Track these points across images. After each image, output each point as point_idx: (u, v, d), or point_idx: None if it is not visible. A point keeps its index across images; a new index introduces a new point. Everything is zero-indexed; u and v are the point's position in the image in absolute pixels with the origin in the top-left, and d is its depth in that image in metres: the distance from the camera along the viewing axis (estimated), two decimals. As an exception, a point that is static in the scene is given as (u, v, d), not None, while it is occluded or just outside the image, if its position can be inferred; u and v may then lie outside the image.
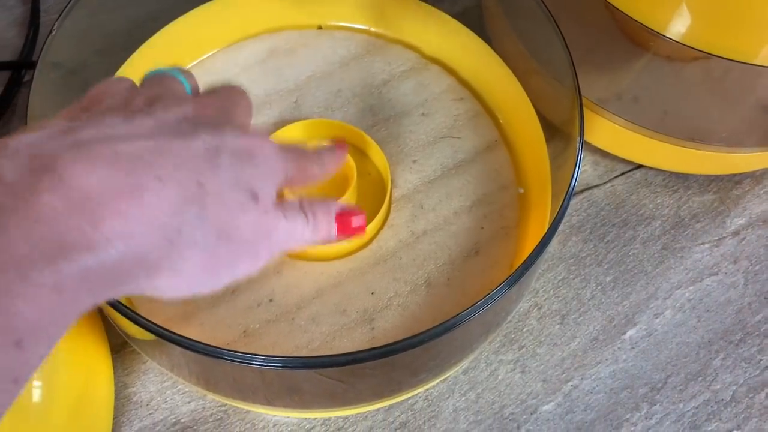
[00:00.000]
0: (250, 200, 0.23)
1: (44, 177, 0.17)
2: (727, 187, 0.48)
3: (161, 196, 0.20)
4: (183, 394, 0.38)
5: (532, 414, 0.39)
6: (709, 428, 0.39)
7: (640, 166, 0.48)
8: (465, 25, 0.45)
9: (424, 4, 0.46)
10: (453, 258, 0.39)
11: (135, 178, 0.19)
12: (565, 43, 0.37)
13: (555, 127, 0.40)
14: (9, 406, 0.17)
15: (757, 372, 0.41)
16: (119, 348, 0.39)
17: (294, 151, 0.28)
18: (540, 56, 0.42)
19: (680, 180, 0.48)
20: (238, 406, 0.37)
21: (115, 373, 0.38)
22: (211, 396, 0.36)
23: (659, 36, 0.38)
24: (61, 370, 0.34)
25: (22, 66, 0.49)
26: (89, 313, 0.37)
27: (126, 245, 0.19)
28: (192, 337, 0.28)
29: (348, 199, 0.39)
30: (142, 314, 0.37)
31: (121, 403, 0.38)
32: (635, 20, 0.38)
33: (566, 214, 0.32)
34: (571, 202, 0.46)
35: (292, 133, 0.42)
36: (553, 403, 0.39)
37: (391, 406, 0.39)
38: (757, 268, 0.45)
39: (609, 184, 0.47)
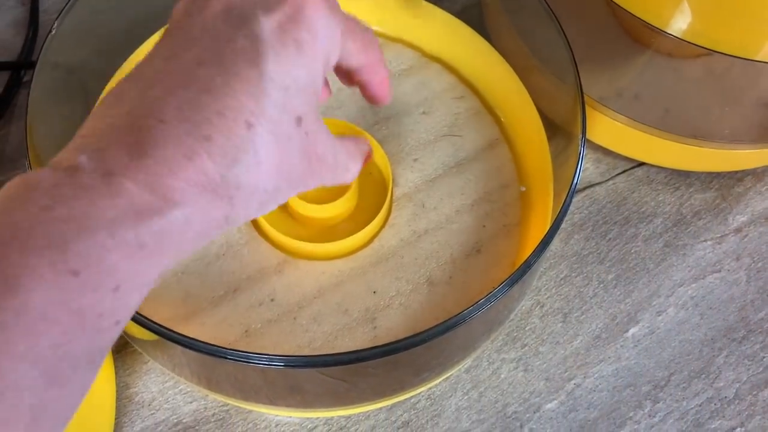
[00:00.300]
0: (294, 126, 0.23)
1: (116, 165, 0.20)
2: (729, 184, 0.47)
3: (212, 153, 0.21)
4: (185, 394, 0.38)
5: (535, 412, 0.39)
6: (713, 426, 0.39)
7: (641, 164, 0.48)
8: (465, 22, 0.45)
9: (424, 2, 0.46)
10: (455, 256, 0.39)
11: (186, 147, 0.21)
12: (567, 41, 0.37)
13: (556, 125, 0.40)
14: (111, 346, 0.21)
15: (761, 369, 0.41)
16: (121, 348, 0.39)
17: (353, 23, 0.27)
18: (541, 54, 0.42)
19: (682, 177, 0.47)
20: (240, 405, 0.37)
21: (116, 373, 0.38)
22: (212, 396, 0.36)
23: (660, 32, 0.38)
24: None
25: (22, 66, 0.49)
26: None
27: (186, 210, 0.20)
28: (193, 337, 0.28)
29: (349, 199, 0.39)
30: (144, 314, 0.37)
31: (123, 403, 0.38)
32: (636, 17, 0.38)
33: (568, 212, 0.32)
34: (573, 200, 0.46)
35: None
36: (556, 402, 0.39)
37: (393, 405, 0.39)
38: (759, 264, 0.44)
39: (611, 182, 0.47)
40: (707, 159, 0.45)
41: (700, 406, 0.40)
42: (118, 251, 0.19)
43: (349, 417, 0.38)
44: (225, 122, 0.21)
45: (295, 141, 0.23)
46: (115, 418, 0.37)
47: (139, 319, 0.29)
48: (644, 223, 0.45)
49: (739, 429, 0.39)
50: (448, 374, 0.38)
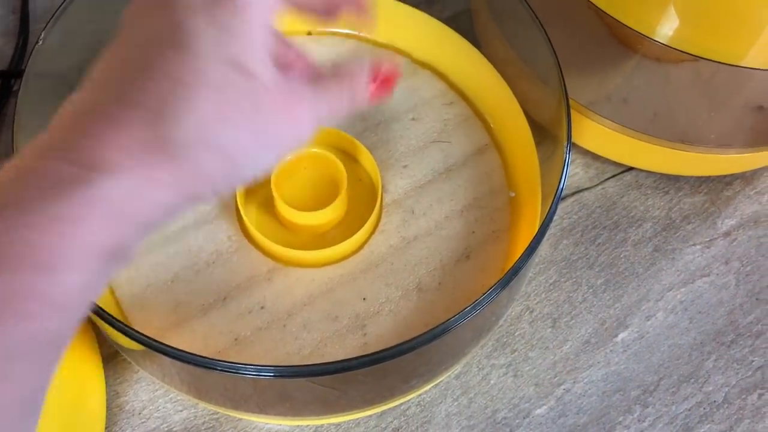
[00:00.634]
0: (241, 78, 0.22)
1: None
2: (717, 188, 0.48)
3: (143, 117, 0.21)
4: (175, 402, 0.38)
5: (524, 418, 0.39)
6: (702, 430, 0.39)
7: (630, 168, 0.48)
8: (455, 29, 0.46)
9: (413, 9, 0.46)
10: (444, 262, 0.39)
11: (114, 118, 0.21)
12: (552, 47, 0.37)
13: (544, 131, 0.41)
14: (65, 334, 0.20)
15: (749, 373, 0.41)
16: (111, 357, 0.39)
17: None
18: (528, 60, 0.42)
19: (671, 181, 0.48)
20: (230, 414, 0.37)
21: (106, 382, 0.38)
22: (203, 404, 0.36)
23: (647, 39, 0.38)
24: (53, 380, 0.34)
25: (12, 75, 0.49)
26: (80, 324, 0.37)
27: (122, 176, 0.20)
28: (184, 345, 0.28)
29: (338, 205, 0.39)
30: (135, 322, 0.37)
31: (113, 412, 0.38)
32: (624, 24, 0.38)
33: (558, 217, 0.32)
34: (563, 205, 0.46)
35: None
36: (545, 407, 0.39)
37: (383, 412, 0.39)
38: (748, 268, 0.45)
39: (600, 187, 0.47)
40: (696, 163, 0.45)
41: (689, 410, 0.40)
42: (35, 227, 0.19)
43: (339, 425, 0.38)
44: (154, 85, 0.21)
45: (239, 89, 0.22)
46: (106, 427, 0.37)
47: (126, 330, 0.29)
48: (633, 228, 0.46)
49: (728, 433, 0.39)
50: (438, 380, 0.38)
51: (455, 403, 0.39)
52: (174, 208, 0.22)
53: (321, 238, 0.40)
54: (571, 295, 0.43)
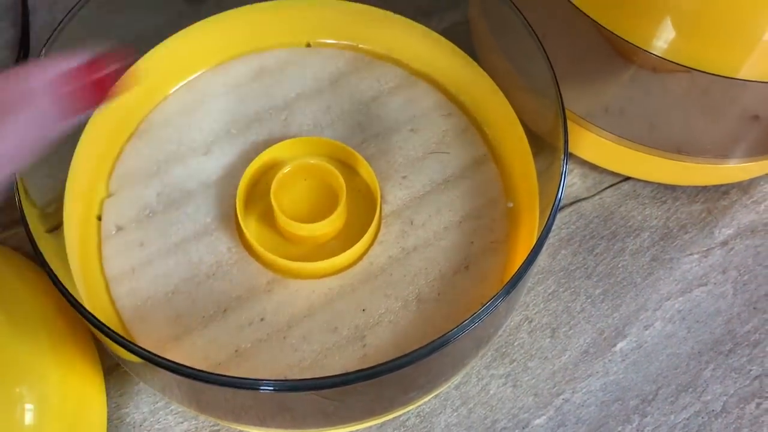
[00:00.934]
0: None
1: None
2: (714, 197, 0.48)
3: None
4: (176, 414, 0.38)
5: (524, 428, 0.39)
6: (701, 439, 0.40)
7: (628, 178, 0.48)
8: (452, 41, 0.46)
9: (411, 21, 0.46)
10: (443, 273, 0.40)
11: None
12: (548, 60, 0.37)
13: (542, 141, 0.41)
14: None
15: (748, 382, 0.41)
16: (112, 369, 0.39)
17: None
18: (525, 72, 0.42)
19: (668, 191, 0.48)
20: (231, 426, 0.37)
21: (107, 394, 0.38)
22: (203, 417, 0.36)
23: (643, 51, 0.38)
24: (53, 392, 0.34)
25: (13, 88, 0.49)
26: (82, 335, 0.37)
27: None
28: (185, 357, 0.29)
29: (338, 216, 0.39)
30: (136, 334, 0.37)
31: (114, 424, 0.38)
32: (619, 36, 0.39)
33: (556, 227, 0.33)
34: (561, 215, 0.46)
35: (281, 151, 0.42)
36: (544, 417, 0.40)
37: (383, 424, 0.39)
38: (745, 278, 0.45)
39: (597, 197, 0.47)
40: (693, 173, 0.45)
41: (687, 419, 0.40)
42: None
43: (339, 435, 0.38)
44: None
45: None
46: (106, 439, 0.37)
47: (125, 343, 0.29)
48: (631, 237, 0.46)
49: (727, 442, 0.40)
50: (438, 391, 0.38)
51: (455, 414, 0.39)
52: None
53: (320, 250, 0.40)
54: (569, 305, 0.43)
